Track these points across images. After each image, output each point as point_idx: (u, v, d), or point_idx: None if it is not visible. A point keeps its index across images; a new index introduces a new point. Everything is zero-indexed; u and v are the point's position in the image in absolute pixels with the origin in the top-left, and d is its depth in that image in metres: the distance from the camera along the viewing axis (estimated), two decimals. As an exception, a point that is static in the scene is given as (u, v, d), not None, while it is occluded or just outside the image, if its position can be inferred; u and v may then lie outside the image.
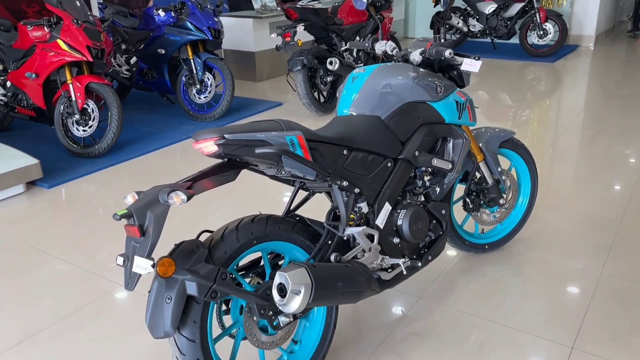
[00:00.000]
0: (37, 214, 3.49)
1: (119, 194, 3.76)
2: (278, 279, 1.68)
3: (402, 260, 2.06)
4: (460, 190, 2.77)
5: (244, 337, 1.84)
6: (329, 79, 5.34)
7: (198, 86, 5.13)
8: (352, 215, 2.07)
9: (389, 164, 2.12)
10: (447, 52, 2.14)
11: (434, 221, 2.30)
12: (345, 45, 5.47)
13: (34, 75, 4.28)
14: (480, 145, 2.57)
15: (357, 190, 2.01)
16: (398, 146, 2.15)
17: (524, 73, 7.07)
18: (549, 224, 3.13)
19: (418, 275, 2.68)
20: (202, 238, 1.84)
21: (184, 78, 5.20)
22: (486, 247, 2.81)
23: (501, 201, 2.66)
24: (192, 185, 1.68)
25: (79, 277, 2.78)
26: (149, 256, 1.54)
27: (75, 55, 4.16)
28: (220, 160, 1.81)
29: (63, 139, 4.36)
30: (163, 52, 5.17)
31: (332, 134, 1.98)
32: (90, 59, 4.18)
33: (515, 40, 8.43)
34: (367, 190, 2.06)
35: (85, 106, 4.28)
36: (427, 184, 2.30)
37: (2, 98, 4.66)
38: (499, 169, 2.62)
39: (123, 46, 5.58)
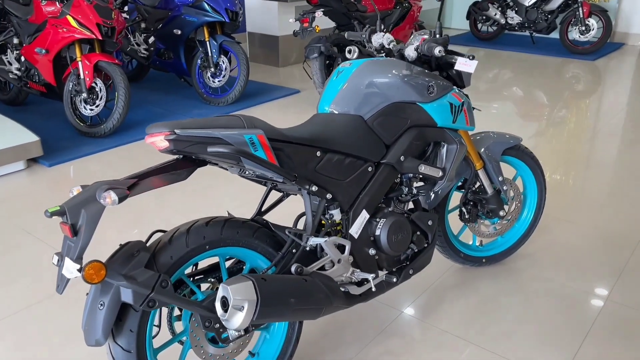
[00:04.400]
0: (32, 193, 3.46)
1: (120, 175, 3.69)
2: (221, 291, 1.54)
3: (372, 275, 1.89)
4: (457, 197, 2.57)
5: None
6: (347, 68, 5.14)
7: (212, 69, 5.01)
8: (323, 222, 1.91)
9: (370, 169, 1.95)
10: (437, 50, 1.94)
11: (418, 232, 2.11)
12: (367, 33, 5.24)
13: (44, 50, 4.24)
14: (481, 151, 2.36)
15: (329, 196, 1.85)
16: (381, 149, 1.97)
17: (562, 71, 6.68)
18: (558, 239, 2.89)
19: (404, 285, 2.50)
20: (155, 238, 1.71)
21: (199, 60, 5.09)
22: (483, 260, 2.60)
23: (501, 213, 2.45)
24: (138, 182, 1.55)
25: (58, 262, 2.71)
26: (78, 259, 1.42)
27: (85, 33, 4.09)
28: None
29: (71, 116, 4.33)
30: (179, 32, 5.07)
31: (306, 133, 1.81)
32: (99, 37, 4.11)
33: (555, 35, 8.00)
34: (341, 196, 1.89)
35: (93, 85, 4.22)
36: (414, 191, 2.12)
37: (17, 72, 4.65)
38: (500, 178, 2.41)
39: (142, 25, 5.51)
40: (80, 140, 4.25)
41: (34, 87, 4.60)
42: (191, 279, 1.81)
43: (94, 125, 4.32)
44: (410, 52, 2.09)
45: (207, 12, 4.90)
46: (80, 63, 4.17)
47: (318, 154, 1.82)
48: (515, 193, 2.55)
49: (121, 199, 1.42)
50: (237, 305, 1.50)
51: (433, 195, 2.20)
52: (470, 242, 2.65)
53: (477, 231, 2.53)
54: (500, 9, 7.97)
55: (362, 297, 1.95)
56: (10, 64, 4.69)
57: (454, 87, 2.12)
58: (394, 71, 1.99)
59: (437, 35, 2.04)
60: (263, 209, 2.01)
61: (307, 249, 1.78)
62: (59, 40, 4.16)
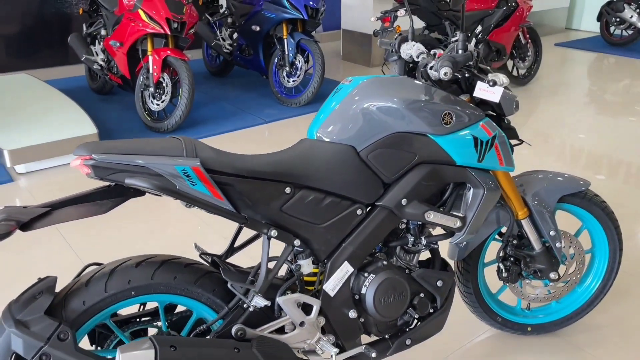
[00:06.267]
0: (80, 187, 3.47)
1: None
2: (118, 357, 1.28)
3: (335, 350, 1.51)
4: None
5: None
6: (433, 73, 4.65)
7: (288, 68, 4.79)
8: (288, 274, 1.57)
9: (359, 212, 1.57)
10: (442, 72, 1.50)
11: (422, 295, 1.69)
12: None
13: (118, 43, 4.28)
14: (528, 197, 1.86)
15: (297, 242, 1.50)
16: (377, 189, 1.58)
17: None
18: (634, 309, 2.27)
19: (418, 346, 2.06)
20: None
21: (276, 59, 4.89)
22: (528, 329, 2.09)
23: (552, 275, 1.92)
24: (51, 212, 1.33)
25: (70, 264, 2.64)
26: (-41, 298, 1.23)
27: (154, 27, 4.06)
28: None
29: (140, 110, 4.34)
30: (258, 29, 4.90)
31: (275, 164, 1.49)
32: (168, 32, 4.05)
33: None
34: (316, 244, 1.54)
35: (160, 79, 4.18)
36: (424, 241, 1.69)
37: (101, 63, 4.78)
38: (552, 232, 1.88)
39: (229, 19, 5.44)
40: (145, 135, 4.25)
41: (113, 78, 4.70)
42: (137, 319, 1.58)
43: (159, 120, 4.29)
44: (432, 70, 1.66)
45: (286, 8, 4.68)
46: (150, 57, 4.16)
47: (287, 190, 1.48)
48: (576, 251, 2.00)
49: (1, 237, 1.20)
50: (128, 378, 1.23)
51: (456, 245, 1.76)
52: (514, 304, 2.14)
53: (520, 293, 2.02)
54: (638, 10, 6.89)
55: (333, 371, 1.58)
56: (97, 55, 4.83)
57: (486, 117, 1.66)
58: (401, 93, 1.59)
59: (460, 50, 1.60)
60: (236, 245, 1.72)
61: (250, 309, 1.45)
62: (132, 34, 4.17)
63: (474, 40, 4.84)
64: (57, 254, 2.72)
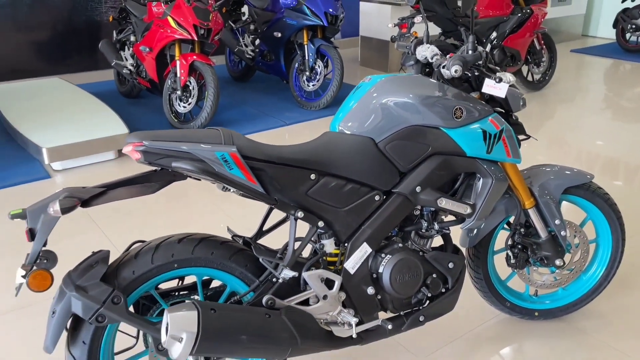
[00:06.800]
0: (114, 182, 3.67)
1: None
2: (165, 317, 1.45)
3: (355, 320, 1.67)
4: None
5: (156, 365, 1.66)
6: (449, 77, 4.79)
7: (308, 73, 4.98)
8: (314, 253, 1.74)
9: (377, 198, 1.73)
10: (453, 69, 1.66)
11: (434, 275, 1.84)
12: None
13: (147, 49, 4.50)
14: (535, 188, 2.00)
15: (321, 224, 1.67)
16: (394, 177, 1.74)
17: None
18: (638, 298, 2.38)
19: (431, 326, 2.21)
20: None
21: (296, 64, 5.08)
22: (536, 314, 2.22)
23: (557, 262, 2.06)
24: (106, 192, 1.51)
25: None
26: (28, 264, 1.42)
27: (182, 33, 4.27)
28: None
29: (167, 112, 4.55)
30: (279, 35, 5.10)
31: (301, 153, 1.66)
32: (195, 38, 4.26)
33: None
34: (338, 226, 1.70)
35: (187, 83, 4.39)
36: (437, 227, 1.85)
37: (130, 68, 5.01)
38: (557, 221, 2.02)
39: (252, 26, 5.65)
40: (172, 135, 4.45)
41: (141, 82, 4.93)
42: (177, 293, 1.76)
43: (185, 121, 4.50)
44: (445, 69, 1.82)
45: (306, 15, 4.87)
46: (178, 62, 4.37)
47: (312, 176, 1.65)
48: (581, 240, 2.13)
49: (66, 210, 1.38)
50: (175, 335, 1.40)
51: (467, 233, 1.91)
52: (523, 291, 2.27)
53: (528, 279, 2.16)
54: (653, 17, 6.96)
55: (354, 341, 1.74)
56: (126, 60, 5.07)
57: (494, 112, 1.81)
58: (416, 90, 1.74)
59: (470, 51, 1.75)
60: (264, 229, 1.88)
61: (280, 281, 1.62)
62: (161, 40, 4.39)
63: (489, 46, 4.98)
64: (93, 246, 2.92)
